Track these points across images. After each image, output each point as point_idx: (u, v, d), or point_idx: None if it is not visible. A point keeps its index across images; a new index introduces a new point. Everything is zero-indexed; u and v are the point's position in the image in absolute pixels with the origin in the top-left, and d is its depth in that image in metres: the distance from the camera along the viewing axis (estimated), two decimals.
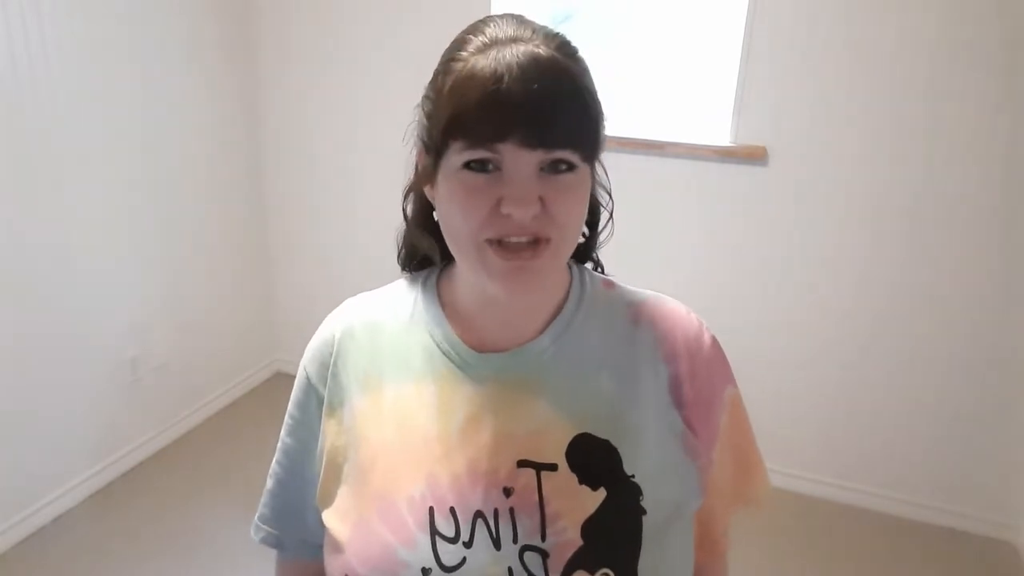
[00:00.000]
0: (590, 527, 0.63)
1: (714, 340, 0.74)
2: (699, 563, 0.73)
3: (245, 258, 2.88)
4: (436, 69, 0.64)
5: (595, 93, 0.63)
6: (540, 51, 0.59)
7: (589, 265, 0.80)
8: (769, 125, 2.20)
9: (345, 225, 2.81)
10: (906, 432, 2.32)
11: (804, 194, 2.22)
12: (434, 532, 0.64)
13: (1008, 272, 2.11)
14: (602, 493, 0.65)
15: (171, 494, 2.35)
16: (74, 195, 2.13)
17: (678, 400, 0.70)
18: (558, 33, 0.63)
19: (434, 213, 0.69)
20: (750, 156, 2.22)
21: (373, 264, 2.73)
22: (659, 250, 2.39)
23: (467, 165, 0.61)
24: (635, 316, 0.73)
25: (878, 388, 2.31)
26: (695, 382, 0.70)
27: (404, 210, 0.76)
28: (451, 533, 0.64)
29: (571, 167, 0.61)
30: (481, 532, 0.63)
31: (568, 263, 0.74)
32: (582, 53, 0.64)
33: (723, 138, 2.27)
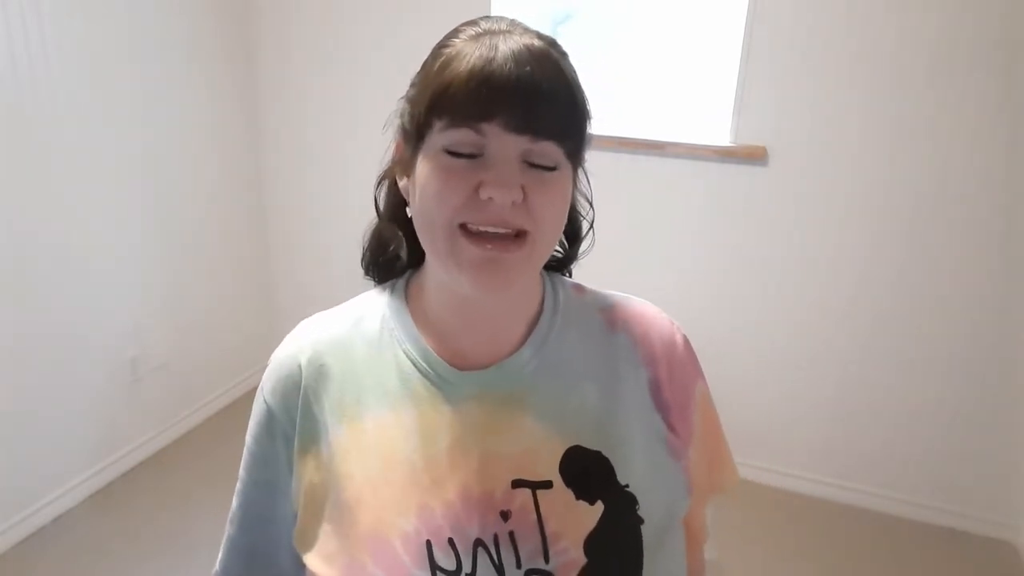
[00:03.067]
0: (592, 543, 0.62)
1: (685, 339, 0.73)
2: None
3: (245, 258, 2.88)
4: (425, 60, 0.63)
5: (583, 95, 0.62)
6: (534, 42, 0.59)
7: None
8: (769, 125, 2.20)
9: (345, 225, 2.80)
10: (906, 432, 2.32)
11: (804, 194, 2.22)
12: (434, 567, 0.60)
13: (1008, 272, 2.11)
14: (600, 507, 0.63)
15: (171, 494, 2.35)
16: (74, 195, 2.13)
17: (659, 403, 0.68)
18: (549, 36, 0.63)
19: (407, 209, 0.66)
20: (750, 156, 2.22)
21: None
22: (659, 250, 2.39)
23: (448, 152, 0.58)
24: (610, 321, 0.71)
25: (878, 388, 2.31)
26: (673, 384, 0.70)
27: (376, 200, 0.73)
28: (452, 566, 0.60)
29: (553, 167, 0.59)
30: (483, 561, 0.60)
31: (540, 271, 0.71)
32: (572, 60, 0.64)
33: (723, 138, 2.27)
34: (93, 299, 2.24)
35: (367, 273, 0.76)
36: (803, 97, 2.15)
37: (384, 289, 0.73)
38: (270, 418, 0.69)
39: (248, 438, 0.71)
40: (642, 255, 2.35)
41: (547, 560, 0.61)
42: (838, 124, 2.14)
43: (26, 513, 2.12)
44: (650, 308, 0.74)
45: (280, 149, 2.82)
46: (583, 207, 0.74)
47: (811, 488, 2.44)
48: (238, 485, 0.73)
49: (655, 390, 0.69)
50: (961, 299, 2.16)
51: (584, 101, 0.62)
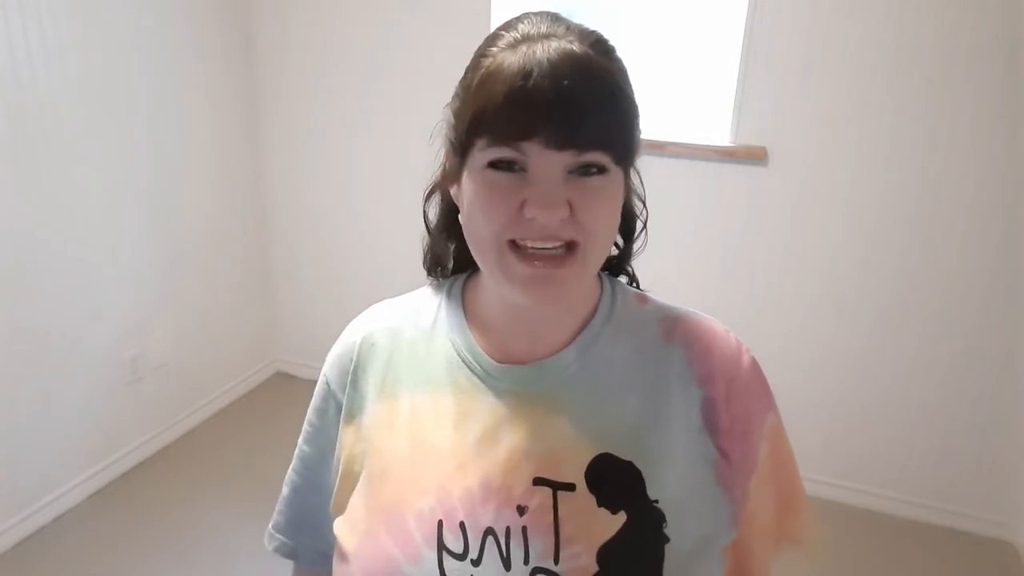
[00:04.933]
0: (607, 553, 0.60)
1: (754, 363, 0.70)
2: None
3: (245, 258, 2.88)
4: (467, 66, 0.62)
5: (630, 94, 0.60)
6: (573, 48, 0.57)
7: (623, 279, 0.77)
8: (769, 125, 2.20)
9: (344, 225, 2.81)
10: (906, 432, 2.32)
11: (804, 194, 2.22)
12: (441, 547, 0.61)
13: (1008, 272, 2.10)
14: (622, 517, 0.61)
15: (171, 494, 2.35)
16: (74, 195, 2.13)
17: (711, 425, 0.65)
18: (594, 31, 0.61)
19: (459, 216, 0.66)
20: (750, 156, 2.22)
21: (372, 263, 2.74)
22: (658, 250, 2.37)
23: (492, 164, 0.58)
24: (667, 333, 0.69)
25: (878, 388, 2.31)
26: (731, 407, 0.66)
27: (425, 213, 0.73)
28: (459, 549, 0.61)
29: (602, 170, 0.58)
30: (491, 550, 0.60)
31: (599, 274, 0.71)
32: (619, 52, 0.62)
33: (723, 138, 2.27)
34: (93, 299, 2.24)
35: (429, 275, 0.78)
36: (803, 97, 2.14)
37: (443, 286, 0.75)
38: (327, 390, 0.74)
39: (308, 410, 0.75)
40: (640, 255, 2.35)
41: (557, 562, 0.60)
42: (838, 124, 2.13)
43: (26, 513, 2.12)
44: (717, 326, 0.71)
45: (280, 149, 2.82)
46: (636, 206, 0.73)
47: (811, 488, 2.41)
48: (296, 451, 0.76)
49: (708, 410, 0.65)
50: (961, 298, 2.16)
51: (630, 104, 0.61)
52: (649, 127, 2.62)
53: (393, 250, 2.33)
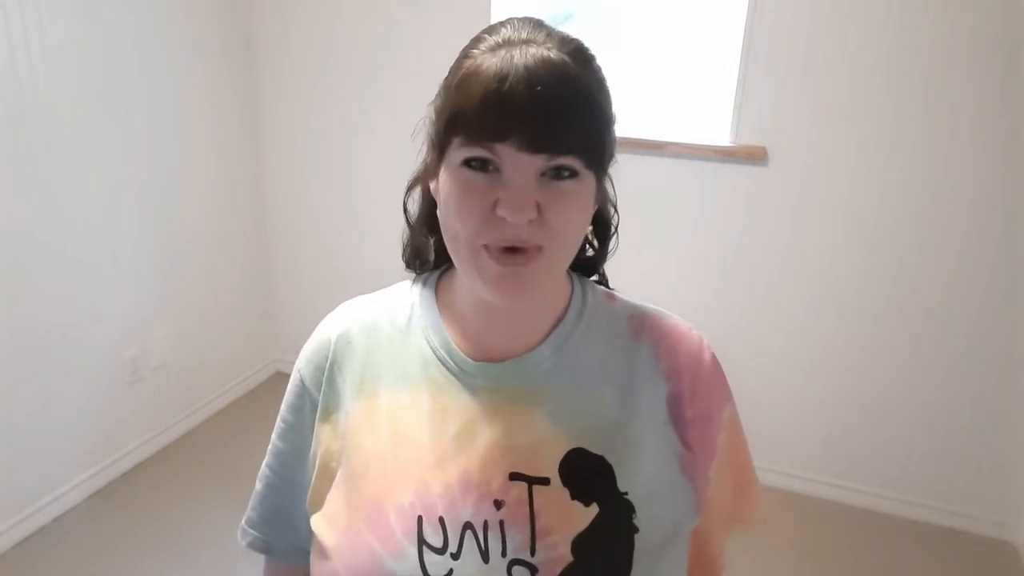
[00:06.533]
0: (581, 543, 0.63)
1: (714, 358, 0.73)
2: None
3: (245, 258, 2.88)
4: (450, 66, 0.64)
5: (605, 102, 0.62)
6: (551, 55, 0.58)
7: (594, 278, 0.79)
8: (769, 125, 2.20)
9: (344, 224, 2.81)
10: (906, 432, 2.32)
11: (804, 194, 2.22)
12: (421, 542, 0.63)
13: (1008, 272, 2.10)
14: (594, 509, 0.64)
15: (171, 494, 2.35)
16: (74, 195, 2.13)
17: (677, 418, 0.68)
18: (575, 39, 0.62)
19: (437, 211, 0.68)
20: (750, 156, 2.22)
21: (372, 263, 2.74)
22: (658, 250, 2.39)
23: (467, 163, 0.60)
24: (636, 330, 0.71)
25: (878, 388, 2.31)
26: (695, 400, 0.69)
27: (405, 205, 0.75)
28: (439, 543, 0.63)
29: (573, 174, 0.60)
30: (469, 544, 0.62)
31: (570, 274, 0.73)
32: (599, 61, 0.63)
33: (723, 138, 2.27)
34: (93, 299, 2.24)
35: (408, 267, 0.79)
36: (803, 97, 2.14)
37: (418, 281, 0.76)
38: (301, 388, 0.74)
39: (282, 407, 0.76)
40: (641, 255, 2.35)
41: (533, 553, 0.62)
42: (838, 124, 2.13)
43: (26, 513, 2.12)
44: (681, 323, 0.74)
45: (280, 149, 2.82)
46: (610, 211, 0.75)
47: (811, 488, 2.44)
48: (269, 447, 0.77)
49: (673, 404, 0.68)
50: (961, 298, 2.16)
51: (606, 110, 0.62)
52: (649, 127, 2.61)
53: (393, 250, 2.33)
